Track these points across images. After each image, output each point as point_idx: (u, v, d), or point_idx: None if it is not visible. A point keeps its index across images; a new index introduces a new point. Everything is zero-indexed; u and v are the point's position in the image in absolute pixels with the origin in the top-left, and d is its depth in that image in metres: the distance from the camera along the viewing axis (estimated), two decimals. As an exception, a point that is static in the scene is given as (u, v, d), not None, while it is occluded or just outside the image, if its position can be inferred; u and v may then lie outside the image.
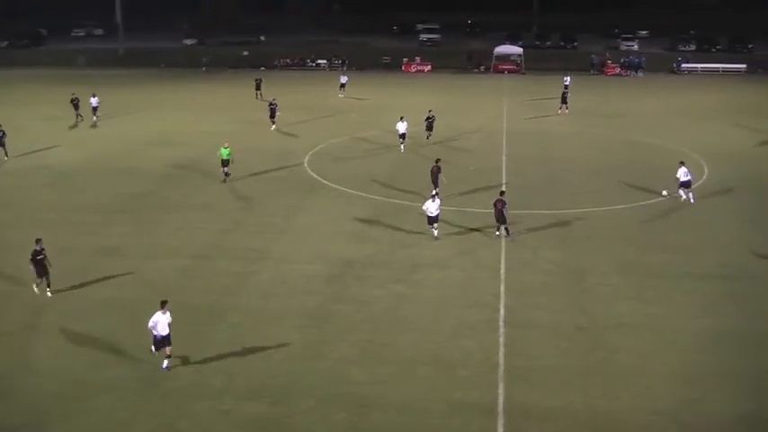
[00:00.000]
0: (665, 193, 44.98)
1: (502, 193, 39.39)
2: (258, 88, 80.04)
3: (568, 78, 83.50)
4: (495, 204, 38.73)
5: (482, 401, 24.73)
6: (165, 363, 26.31)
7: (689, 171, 44.28)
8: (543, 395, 25.12)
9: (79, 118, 68.27)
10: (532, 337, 28.87)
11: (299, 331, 29.40)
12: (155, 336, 26.12)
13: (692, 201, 44.31)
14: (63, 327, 29.88)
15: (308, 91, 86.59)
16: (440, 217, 38.45)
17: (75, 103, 68.56)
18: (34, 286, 32.17)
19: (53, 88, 74.63)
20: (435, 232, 38.42)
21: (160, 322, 25.99)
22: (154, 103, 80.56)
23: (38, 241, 32.02)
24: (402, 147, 56.03)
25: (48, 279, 32.08)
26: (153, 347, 26.38)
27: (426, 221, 38.47)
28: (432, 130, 58.82)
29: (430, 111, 59.32)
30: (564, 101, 72.74)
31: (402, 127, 55.92)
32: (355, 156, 55.87)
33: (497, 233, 38.74)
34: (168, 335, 26.14)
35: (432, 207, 38.16)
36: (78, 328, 29.69)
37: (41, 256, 31.70)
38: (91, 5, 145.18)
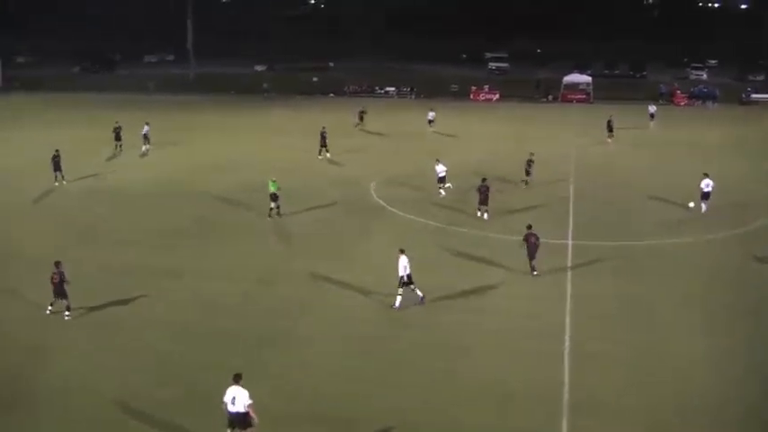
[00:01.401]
0: (691, 204, 47.81)
1: (529, 226, 37.34)
2: (361, 119, 79.57)
3: (654, 107, 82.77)
4: (527, 239, 36.64)
5: (545, 434, 23.98)
6: None
7: (710, 183, 47.17)
8: (607, 429, 24.34)
9: (119, 149, 66.30)
10: (597, 370, 28.01)
11: (359, 357, 29.00)
12: (230, 412, 22.47)
13: (703, 210, 47.17)
14: (115, 345, 29.92)
15: (378, 118, 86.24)
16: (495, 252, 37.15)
17: (117, 132, 66.51)
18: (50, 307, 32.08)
19: (120, 113, 75.63)
20: (419, 292, 33.38)
21: (238, 396, 22.26)
22: (220, 127, 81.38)
23: (57, 264, 31.73)
24: (442, 191, 51.47)
25: (67, 302, 31.79)
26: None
27: (398, 284, 33.33)
28: (530, 176, 54.32)
29: (531, 153, 55.57)
30: (610, 129, 71.61)
31: (440, 169, 51.65)
32: (423, 183, 55.05)
33: (535, 272, 36.89)
34: (246, 414, 22.34)
35: (401, 263, 33.14)
36: (131, 348, 29.66)
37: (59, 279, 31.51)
38: (164, 31, 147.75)
